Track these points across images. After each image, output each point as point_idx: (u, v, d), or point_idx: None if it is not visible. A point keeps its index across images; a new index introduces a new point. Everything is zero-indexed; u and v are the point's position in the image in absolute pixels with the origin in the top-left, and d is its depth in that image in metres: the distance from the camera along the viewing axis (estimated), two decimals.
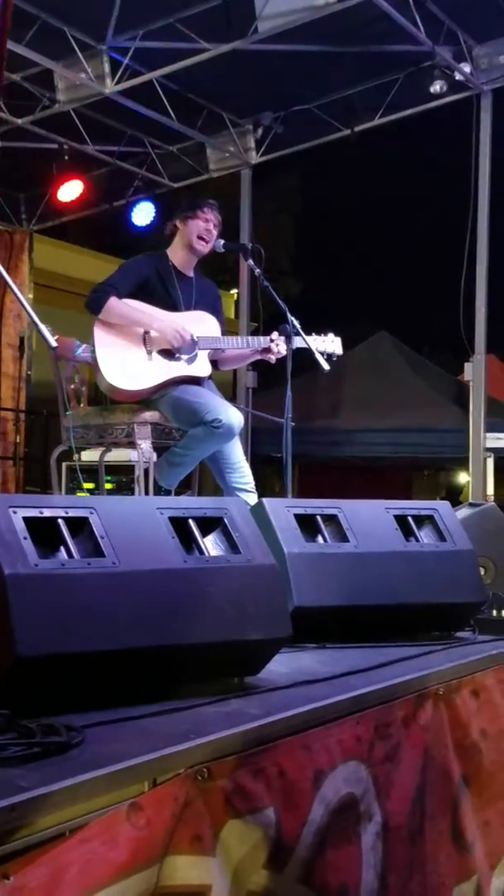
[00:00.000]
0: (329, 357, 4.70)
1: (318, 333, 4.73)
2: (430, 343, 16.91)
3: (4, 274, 3.19)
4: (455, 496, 14.93)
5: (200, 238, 4.68)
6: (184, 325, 4.54)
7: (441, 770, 2.58)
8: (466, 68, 7.90)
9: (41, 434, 9.81)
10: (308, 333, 4.63)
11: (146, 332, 4.52)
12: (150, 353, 4.52)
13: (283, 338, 4.58)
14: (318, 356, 4.58)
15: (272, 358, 4.67)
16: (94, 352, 4.50)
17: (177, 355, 4.53)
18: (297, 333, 4.54)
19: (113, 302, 4.48)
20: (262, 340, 4.68)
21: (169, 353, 4.55)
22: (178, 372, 4.53)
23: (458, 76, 7.93)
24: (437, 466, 15.89)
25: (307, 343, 4.57)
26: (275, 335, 4.62)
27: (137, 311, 4.53)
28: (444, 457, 12.14)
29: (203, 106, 8.85)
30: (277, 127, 9.10)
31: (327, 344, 4.72)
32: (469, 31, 7.80)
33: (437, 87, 7.91)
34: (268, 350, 4.64)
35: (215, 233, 4.73)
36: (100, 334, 4.50)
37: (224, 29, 7.25)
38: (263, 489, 5.91)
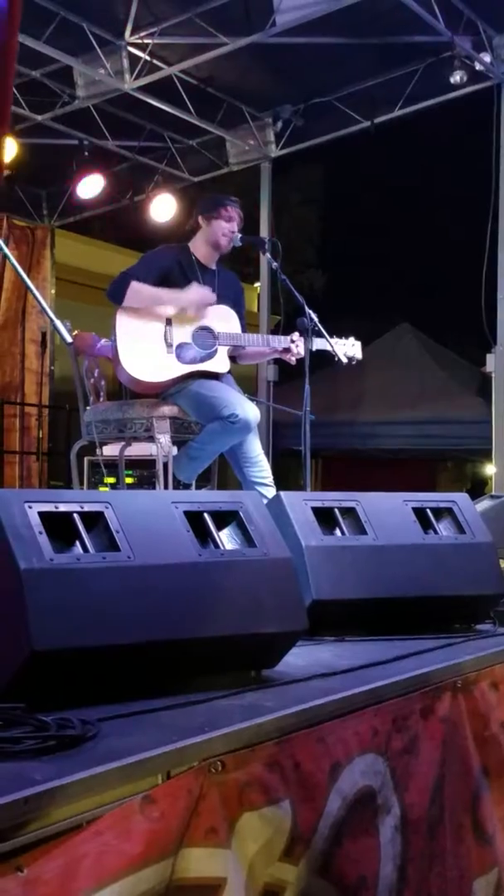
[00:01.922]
0: (349, 360, 4.70)
1: (340, 336, 4.73)
2: (455, 334, 16.84)
3: (21, 272, 3.19)
4: (480, 488, 14.88)
5: (224, 236, 4.70)
6: (203, 323, 4.56)
7: (460, 762, 2.58)
8: (486, 58, 7.86)
9: (64, 429, 9.85)
10: (329, 333, 4.63)
11: (168, 325, 4.53)
12: (170, 346, 4.53)
13: (302, 339, 4.59)
14: (336, 348, 4.58)
15: (292, 359, 4.68)
16: (114, 342, 4.52)
17: (196, 351, 4.55)
18: (316, 329, 4.53)
19: (135, 286, 4.49)
20: (282, 341, 4.68)
21: (189, 347, 4.56)
22: (196, 366, 4.54)
23: (478, 66, 7.89)
24: (460, 458, 15.83)
25: (327, 341, 4.57)
26: (295, 336, 4.63)
27: (161, 290, 4.54)
28: (468, 448, 12.10)
29: (222, 100, 8.86)
30: (297, 120, 9.09)
31: (347, 348, 4.73)
32: (488, 21, 7.76)
33: (456, 77, 7.87)
34: (288, 350, 4.65)
35: (237, 230, 4.74)
36: (121, 325, 4.52)
37: (242, 23, 7.26)
38: (286, 482, 5.91)
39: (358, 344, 4.77)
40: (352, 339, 4.76)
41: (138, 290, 4.50)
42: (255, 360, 5.06)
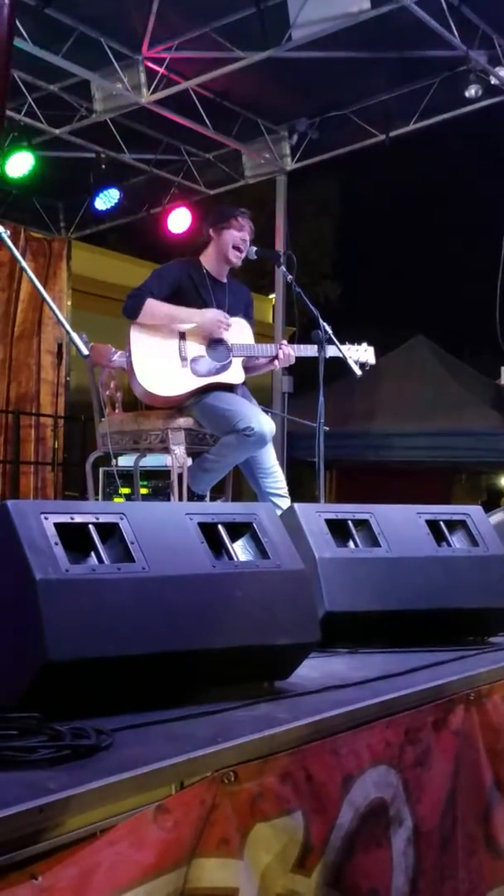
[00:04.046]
0: (362, 366, 4.73)
1: (353, 342, 4.76)
2: (470, 346, 16.84)
3: (39, 285, 3.22)
4: (497, 500, 14.85)
5: (235, 248, 4.73)
6: (224, 316, 4.60)
7: (473, 775, 2.58)
8: (501, 72, 7.86)
9: (80, 439, 9.90)
10: (343, 341, 4.66)
11: (182, 339, 4.56)
12: (184, 359, 4.56)
13: (289, 347, 4.65)
14: (350, 361, 4.60)
15: (276, 364, 4.73)
16: (129, 357, 4.55)
17: (210, 364, 4.57)
18: (330, 340, 4.56)
19: (150, 303, 4.53)
20: (271, 349, 4.73)
21: (203, 360, 4.58)
22: (211, 379, 4.56)
23: (493, 80, 7.90)
24: (475, 470, 15.81)
25: (340, 350, 4.60)
26: (284, 342, 4.71)
27: (175, 308, 4.57)
28: (483, 460, 12.08)
29: (238, 113, 8.90)
30: (313, 133, 9.12)
31: (361, 353, 4.76)
32: None
33: (472, 91, 7.90)
34: (276, 357, 4.71)
35: (249, 242, 4.76)
36: (136, 340, 4.55)
37: (258, 37, 7.28)
38: (301, 494, 5.92)
39: (371, 349, 4.79)
40: (364, 344, 4.79)
41: (154, 309, 4.53)
42: (256, 372, 5.07)
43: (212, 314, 4.58)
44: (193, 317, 4.57)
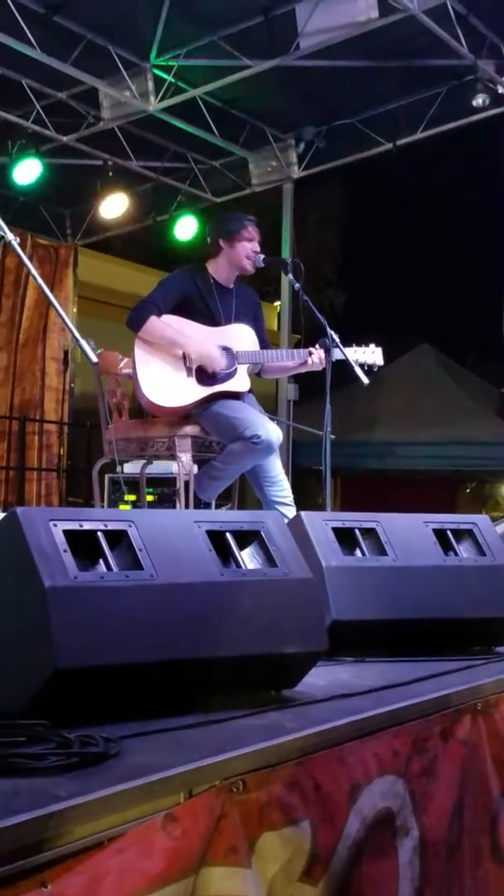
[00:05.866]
0: (370, 368, 4.71)
1: (360, 345, 4.74)
2: (475, 355, 16.84)
3: (48, 292, 3.23)
4: None
5: (248, 258, 4.74)
6: (221, 343, 4.58)
7: (480, 785, 2.57)
8: None
9: (84, 446, 9.91)
10: (349, 345, 4.65)
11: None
12: (189, 369, 4.56)
13: (321, 350, 4.61)
14: (358, 370, 4.60)
15: (309, 365, 4.71)
16: (134, 369, 4.56)
17: (216, 371, 4.57)
18: (337, 347, 4.56)
19: (153, 321, 4.53)
20: (301, 354, 4.71)
21: (208, 369, 4.58)
22: (216, 388, 4.56)
23: (500, 90, 7.92)
24: (480, 479, 15.79)
25: (346, 358, 4.59)
26: (313, 349, 4.66)
27: (175, 333, 4.56)
28: (488, 470, 12.07)
29: (245, 121, 8.93)
30: (319, 141, 9.16)
31: (368, 355, 4.73)
32: None
33: (479, 100, 7.93)
34: (306, 363, 4.69)
35: (258, 249, 4.78)
36: (140, 351, 4.56)
37: (267, 45, 7.31)
38: (306, 501, 5.93)
39: (379, 350, 4.76)
40: (372, 345, 4.76)
41: (155, 328, 4.53)
42: (279, 374, 5.09)
43: (205, 351, 4.55)
44: (189, 348, 4.54)
